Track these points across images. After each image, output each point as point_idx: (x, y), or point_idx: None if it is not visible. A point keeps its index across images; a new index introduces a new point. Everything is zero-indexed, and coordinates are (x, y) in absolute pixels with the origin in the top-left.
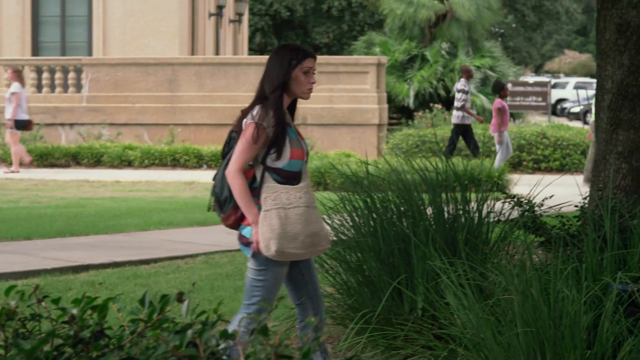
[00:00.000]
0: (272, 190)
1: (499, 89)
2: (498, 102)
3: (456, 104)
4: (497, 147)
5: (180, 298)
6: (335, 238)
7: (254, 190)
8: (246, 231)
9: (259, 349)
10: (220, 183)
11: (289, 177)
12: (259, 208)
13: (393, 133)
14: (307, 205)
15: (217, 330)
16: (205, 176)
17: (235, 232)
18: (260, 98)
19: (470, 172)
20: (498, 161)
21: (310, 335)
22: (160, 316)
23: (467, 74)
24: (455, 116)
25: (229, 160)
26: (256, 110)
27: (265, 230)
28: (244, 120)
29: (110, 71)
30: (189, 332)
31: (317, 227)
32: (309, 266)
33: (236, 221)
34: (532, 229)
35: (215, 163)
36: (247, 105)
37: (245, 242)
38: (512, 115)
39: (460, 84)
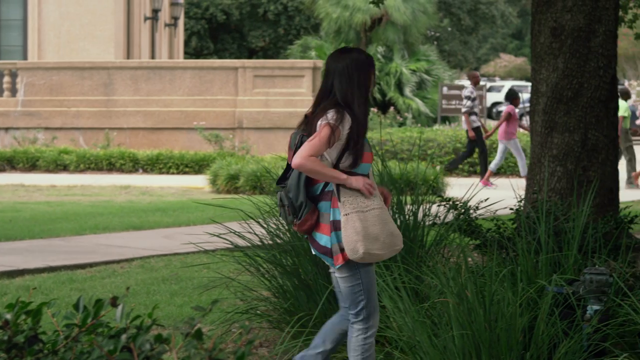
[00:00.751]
0: (348, 194)
1: (512, 98)
2: (510, 107)
3: (462, 110)
4: (515, 153)
5: (114, 302)
6: (270, 242)
7: (327, 193)
8: (325, 240)
9: (193, 353)
10: (296, 188)
11: None
12: (337, 212)
13: None
14: (380, 207)
15: (151, 334)
16: (141, 180)
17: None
18: (334, 103)
19: (406, 176)
20: (522, 168)
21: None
22: (95, 321)
23: (474, 80)
24: (465, 122)
25: None
26: (332, 114)
27: (350, 233)
28: (319, 122)
29: (46, 75)
30: (123, 337)
31: (392, 227)
32: None
33: (311, 227)
34: (467, 232)
35: (151, 167)
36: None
37: (326, 251)
38: (447, 119)
39: (467, 90)
